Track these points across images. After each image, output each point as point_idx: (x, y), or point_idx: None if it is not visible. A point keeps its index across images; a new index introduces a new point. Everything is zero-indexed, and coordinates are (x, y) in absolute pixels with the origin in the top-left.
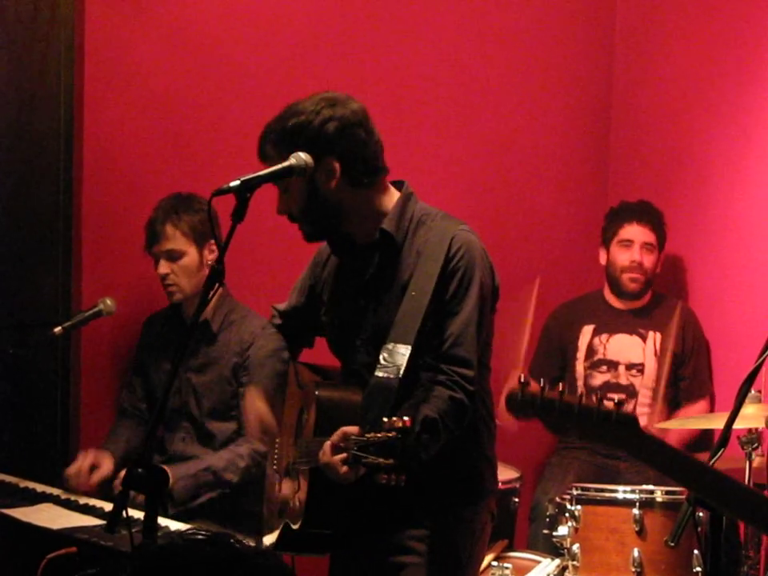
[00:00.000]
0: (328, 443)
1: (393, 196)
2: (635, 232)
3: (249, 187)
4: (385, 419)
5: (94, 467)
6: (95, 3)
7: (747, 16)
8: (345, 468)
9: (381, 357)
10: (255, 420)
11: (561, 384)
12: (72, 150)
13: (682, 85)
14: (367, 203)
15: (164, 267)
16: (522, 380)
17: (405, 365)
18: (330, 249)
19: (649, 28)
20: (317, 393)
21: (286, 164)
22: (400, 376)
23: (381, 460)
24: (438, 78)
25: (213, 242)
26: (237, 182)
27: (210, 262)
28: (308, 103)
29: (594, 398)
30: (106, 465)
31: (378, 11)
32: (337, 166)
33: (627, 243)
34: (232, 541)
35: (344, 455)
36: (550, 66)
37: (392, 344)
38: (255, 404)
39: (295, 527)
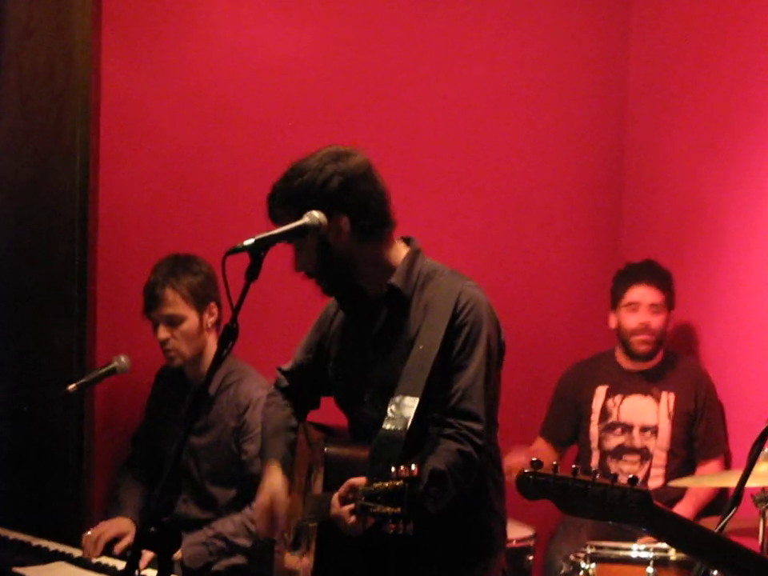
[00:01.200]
0: (336, 495)
1: (401, 251)
2: (641, 294)
3: (263, 246)
4: (392, 468)
5: (116, 538)
6: (111, 62)
7: (762, 68)
8: (353, 518)
9: (388, 409)
10: (267, 502)
11: (575, 464)
12: (87, 207)
13: (695, 142)
14: (377, 256)
15: (164, 332)
16: (535, 461)
17: (412, 417)
18: (337, 304)
19: (662, 83)
20: (325, 449)
21: (299, 223)
22: (407, 428)
23: (388, 509)
24: (449, 133)
25: (213, 304)
26: (251, 241)
27: (209, 325)
28: (312, 161)
29: (607, 476)
30: (128, 536)
31: (389, 65)
32: (345, 221)
33: (634, 306)
34: None
35: (352, 506)
36: (563, 122)
37: (399, 396)
38: (272, 482)
39: None
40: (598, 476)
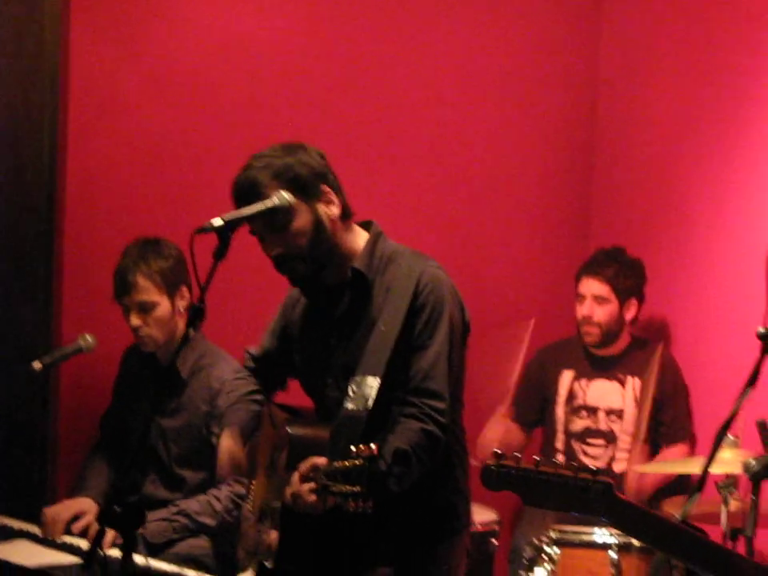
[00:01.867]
0: (296, 473)
1: (361, 236)
2: (586, 285)
3: (231, 226)
4: (352, 448)
5: (76, 517)
6: (80, 38)
7: (728, 61)
8: (313, 497)
9: (349, 389)
10: (227, 457)
11: (537, 456)
12: (55, 185)
13: (664, 131)
14: (346, 238)
15: (136, 319)
16: (498, 453)
17: (373, 396)
18: (301, 291)
19: (633, 72)
20: (289, 430)
21: (268, 202)
22: (368, 408)
23: (348, 487)
24: (419, 119)
25: (184, 288)
26: (219, 221)
27: (181, 309)
28: (289, 146)
29: (569, 466)
30: (90, 513)
31: (360, 50)
32: (333, 195)
33: (581, 298)
34: None
35: (312, 485)
36: (533, 110)
37: (360, 376)
38: (228, 443)
39: (269, 565)
40: (560, 467)
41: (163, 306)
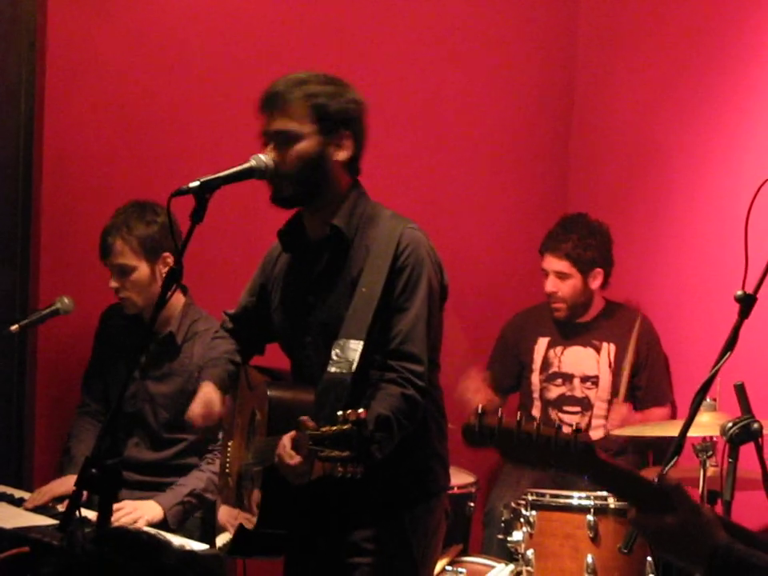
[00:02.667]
0: (285, 440)
1: (348, 193)
2: (548, 262)
3: (208, 188)
4: (339, 412)
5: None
6: (57, 2)
7: (707, 31)
8: (301, 463)
9: (333, 353)
10: (201, 404)
11: (518, 413)
12: (31, 149)
13: (642, 97)
14: (341, 189)
15: (114, 281)
16: (480, 411)
17: (357, 360)
18: (280, 246)
19: (611, 37)
20: (268, 393)
21: (246, 165)
22: (353, 371)
23: (336, 452)
24: (396, 82)
25: (167, 254)
26: (196, 183)
27: (164, 275)
28: (334, 79)
29: (551, 425)
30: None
31: (338, 10)
32: (349, 142)
33: (545, 273)
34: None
35: (300, 450)
36: (511, 75)
37: (343, 340)
38: (204, 392)
39: (250, 527)
40: (542, 426)
41: (141, 270)
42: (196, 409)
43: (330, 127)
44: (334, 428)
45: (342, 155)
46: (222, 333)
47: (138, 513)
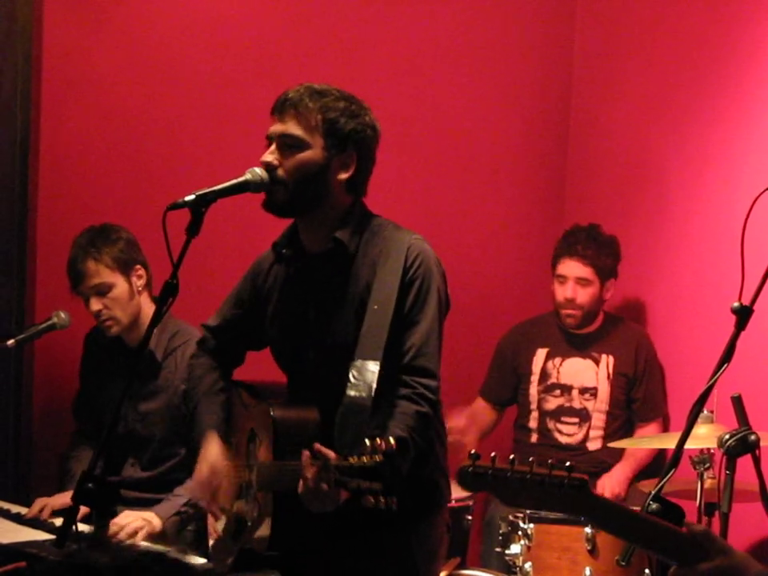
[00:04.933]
0: (311, 472)
1: (350, 208)
2: (569, 267)
3: (204, 202)
4: (367, 441)
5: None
6: (54, 15)
7: (704, 41)
8: (325, 487)
9: (350, 375)
10: (206, 475)
11: (512, 455)
12: (27, 162)
13: (639, 108)
14: (340, 208)
15: (95, 304)
16: (472, 453)
17: (376, 382)
18: (273, 258)
19: (608, 49)
20: (272, 414)
21: (242, 179)
22: (372, 395)
23: (367, 484)
24: (394, 94)
25: (138, 267)
26: (192, 197)
27: (140, 288)
28: (354, 98)
29: (544, 466)
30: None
31: (333, 21)
32: (354, 164)
33: (562, 279)
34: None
35: (327, 482)
36: (508, 86)
37: (360, 361)
38: (210, 454)
39: (258, 549)
40: (535, 465)
41: (120, 286)
42: (202, 473)
43: (337, 144)
44: (364, 458)
45: (343, 174)
46: (200, 359)
47: (136, 524)
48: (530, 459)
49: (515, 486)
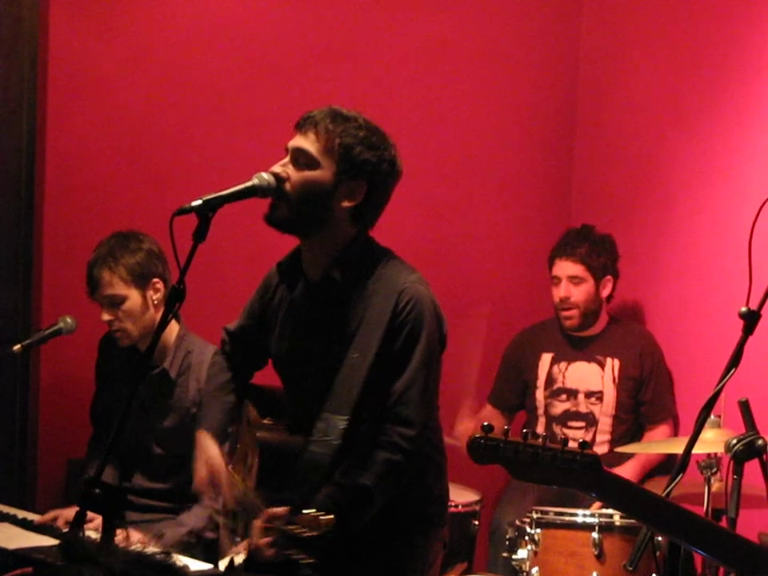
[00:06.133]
0: (257, 526)
1: (353, 239)
2: (560, 267)
3: (211, 207)
4: (312, 511)
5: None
6: (60, 19)
7: (712, 42)
8: (271, 551)
9: (315, 428)
10: (206, 474)
11: (524, 429)
12: (34, 166)
13: (645, 112)
14: (343, 239)
15: (107, 314)
16: (486, 425)
17: (339, 437)
18: (279, 277)
19: (614, 50)
20: (257, 435)
21: (249, 184)
22: (332, 452)
23: (301, 555)
24: (398, 100)
25: (156, 279)
26: (199, 202)
27: (156, 302)
28: (378, 131)
29: (557, 441)
30: (95, 519)
31: (339, 24)
32: (362, 195)
33: (556, 280)
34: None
35: (270, 539)
36: (514, 87)
37: (328, 414)
38: (207, 452)
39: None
40: (548, 440)
41: (133, 299)
42: (201, 473)
43: (348, 170)
44: (304, 528)
45: (348, 202)
46: (219, 357)
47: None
48: (543, 434)
49: (527, 459)
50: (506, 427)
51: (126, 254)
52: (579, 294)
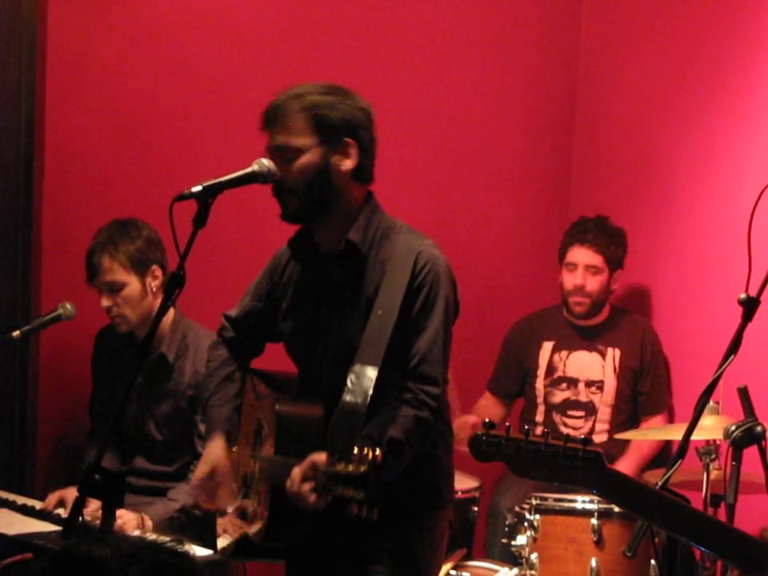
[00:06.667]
0: (297, 472)
1: (361, 206)
2: (579, 255)
3: (211, 193)
4: (355, 449)
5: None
6: (58, 6)
7: (710, 33)
8: (313, 497)
9: (348, 379)
10: (206, 481)
11: (526, 425)
12: (32, 153)
13: (645, 101)
14: (352, 201)
15: (106, 300)
16: (487, 422)
17: (372, 388)
18: (290, 253)
19: (613, 43)
20: (277, 408)
21: (249, 170)
22: (367, 401)
23: (352, 492)
24: (399, 90)
25: (155, 267)
26: (199, 188)
27: (154, 289)
28: (342, 89)
29: (559, 436)
30: (91, 503)
31: (339, 14)
32: (354, 151)
33: (572, 267)
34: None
35: (312, 484)
36: (513, 79)
37: (359, 366)
38: (213, 456)
39: (256, 539)
40: (550, 437)
41: (132, 285)
42: (200, 471)
43: (332, 137)
44: (350, 467)
45: (347, 164)
46: (218, 348)
47: (130, 525)
48: (545, 431)
49: (529, 456)
50: (507, 423)
51: (125, 240)
52: (594, 284)
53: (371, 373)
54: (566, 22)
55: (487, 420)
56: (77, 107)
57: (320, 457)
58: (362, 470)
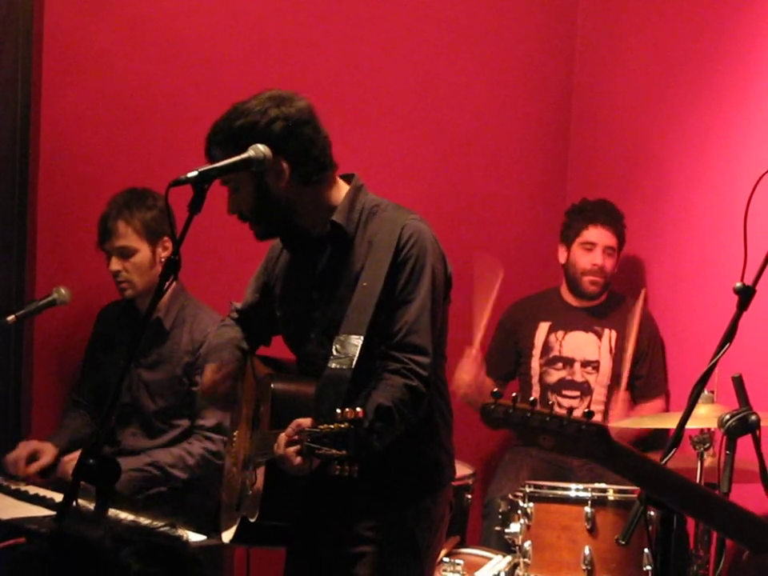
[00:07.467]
0: (282, 435)
1: (342, 189)
2: (598, 235)
3: (206, 178)
4: (338, 410)
5: (33, 457)
6: None
7: (705, 19)
8: (298, 459)
9: (333, 348)
10: (209, 386)
11: (532, 398)
12: (28, 139)
13: (641, 84)
14: (318, 199)
15: (116, 264)
16: (495, 392)
17: (357, 355)
18: (282, 244)
19: (610, 29)
20: (272, 385)
21: (244, 156)
22: (352, 367)
23: (334, 451)
24: (397, 75)
25: (167, 238)
26: (194, 173)
27: (163, 259)
28: (254, 103)
29: (564, 410)
30: (47, 455)
31: (339, 6)
32: (285, 165)
33: (590, 246)
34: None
35: (297, 447)
36: (510, 63)
37: (344, 335)
38: (211, 374)
39: (252, 520)
40: (554, 409)
41: (143, 252)
42: (205, 394)
43: (257, 163)
44: (332, 426)
45: (282, 179)
46: (229, 321)
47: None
48: (550, 402)
49: (535, 425)
50: (514, 394)
51: (142, 208)
52: (610, 264)
53: (356, 341)
54: (564, 7)
55: (495, 390)
56: (73, 93)
57: (305, 420)
58: (342, 427)
